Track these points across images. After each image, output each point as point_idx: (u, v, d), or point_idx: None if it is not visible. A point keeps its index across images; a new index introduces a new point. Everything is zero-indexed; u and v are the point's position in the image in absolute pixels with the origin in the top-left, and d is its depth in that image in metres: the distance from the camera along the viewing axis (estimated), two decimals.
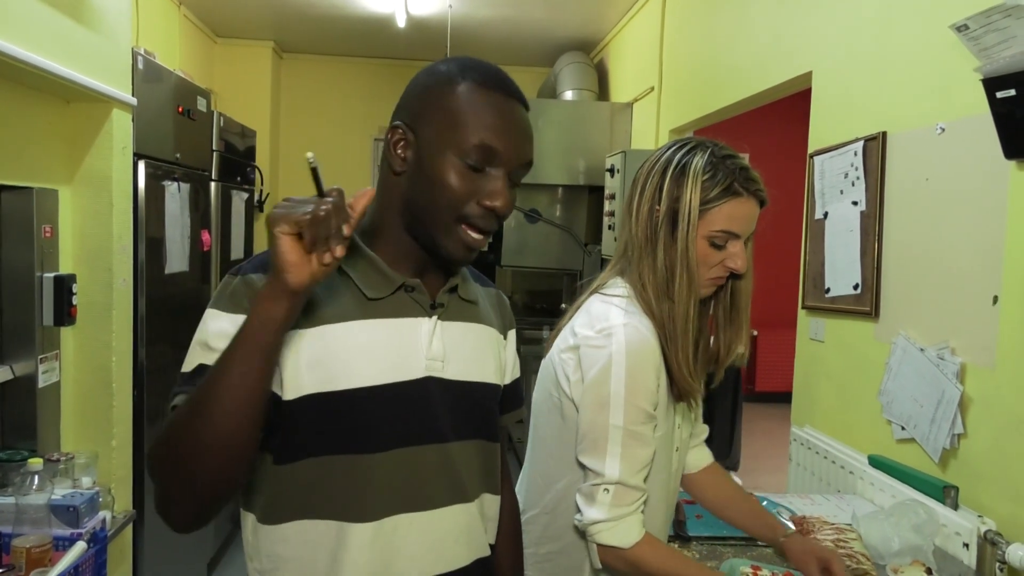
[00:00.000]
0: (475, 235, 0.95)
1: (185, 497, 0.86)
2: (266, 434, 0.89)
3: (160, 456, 0.86)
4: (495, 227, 0.97)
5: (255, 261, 0.95)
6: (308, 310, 0.91)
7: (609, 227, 4.00)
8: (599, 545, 1.19)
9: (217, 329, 0.90)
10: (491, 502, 1.07)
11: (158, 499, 0.88)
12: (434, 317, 0.99)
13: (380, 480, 0.94)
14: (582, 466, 1.22)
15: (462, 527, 1.01)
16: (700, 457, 1.52)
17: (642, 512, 1.21)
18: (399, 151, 0.96)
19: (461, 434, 1.01)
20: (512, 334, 1.17)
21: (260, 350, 0.83)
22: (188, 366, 0.92)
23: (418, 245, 0.98)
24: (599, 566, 1.21)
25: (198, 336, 0.93)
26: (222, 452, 0.83)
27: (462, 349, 1.02)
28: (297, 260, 0.80)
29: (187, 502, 0.86)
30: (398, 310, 0.97)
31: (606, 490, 1.17)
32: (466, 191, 0.93)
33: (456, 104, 0.93)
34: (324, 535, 0.93)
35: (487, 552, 1.06)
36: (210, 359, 0.87)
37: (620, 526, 1.17)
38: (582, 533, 1.22)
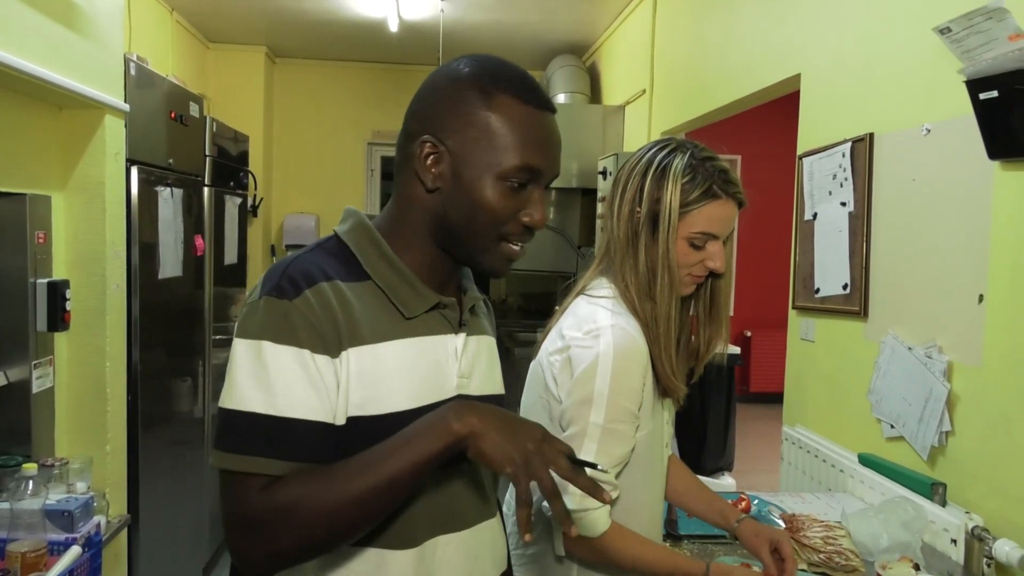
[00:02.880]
0: (515, 248, 0.95)
1: (305, 557, 0.86)
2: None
3: (290, 533, 0.82)
4: (530, 239, 0.97)
5: (290, 275, 0.87)
6: (352, 327, 0.88)
7: (601, 229, 4.01)
8: (564, 533, 1.21)
9: (282, 368, 0.84)
10: (497, 508, 1.08)
11: (262, 556, 0.83)
12: (462, 334, 0.99)
13: (422, 503, 0.92)
14: None
15: (489, 543, 1.01)
16: None
17: (611, 506, 1.22)
18: (431, 168, 0.91)
19: None
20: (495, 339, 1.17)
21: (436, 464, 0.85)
22: (243, 404, 0.84)
23: (446, 257, 0.96)
24: (562, 553, 1.23)
25: (255, 370, 0.84)
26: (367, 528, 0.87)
27: (480, 363, 1.02)
28: None
29: (304, 559, 0.86)
30: (431, 327, 0.95)
31: None
32: (508, 211, 0.91)
33: (496, 122, 0.89)
34: (362, 563, 0.90)
35: (505, 564, 1.07)
36: (274, 405, 0.83)
37: (588, 517, 1.19)
38: (549, 521, 1.24)
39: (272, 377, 0.83)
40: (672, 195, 1.23)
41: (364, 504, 0.82)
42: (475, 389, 1.00)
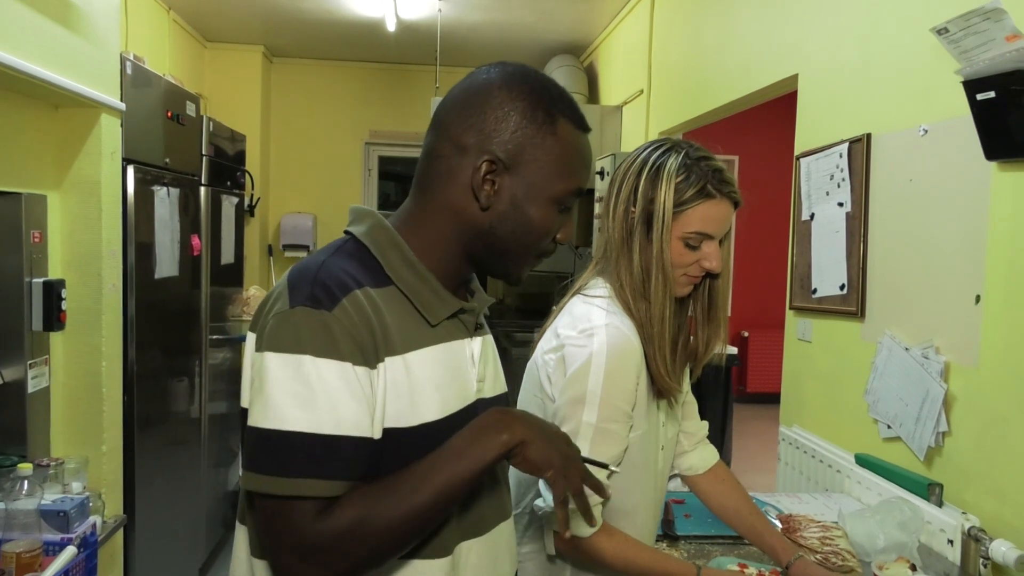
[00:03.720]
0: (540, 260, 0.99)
1: (367, 571, 0.85)
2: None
3: (362, 550, 0.82)
4: None
5: (323, 283, 0.84)
6: (386, 336, 0.86)
7: (599, 229, 4.01)
8: (556, 533, 1.21)
9: (325, 384, 0.81)
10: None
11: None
12: (478, 338, 0.99)
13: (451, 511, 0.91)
14: None
15: (506, 543, 1.01)
16: (705, 457, 1.51)
17: (602, 506, 1.22)
18: (487, 186, 0.91)
19: None
20: None
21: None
22: (284, 424, 0.80)
23: (466, 264, 0.97)
24: (553, 552, 1.23)
25: (295, 387, 0.80)
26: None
27: (490, 365, 1.03)
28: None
29: (365, 573, 0.86)
30: (451, 333, 0.95)
31: None
32: (554, 230, 0.95)
33: (558, 148, 0.92)
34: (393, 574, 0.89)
35: (518, 563, 1.08)
36: (319, 424, 0.80)
37: (579, 516, 1.18)
38: (540, 518, 1.23)
39: (316, 394, 0.80)
40: (666, 194, 1.22)
41: (425, 515, 0.83)
42: (490, 391, 1.00)
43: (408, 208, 0.97)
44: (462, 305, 0.95)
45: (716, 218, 1.25)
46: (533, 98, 0.92)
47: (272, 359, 0.81)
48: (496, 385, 1.04)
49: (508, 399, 1.08)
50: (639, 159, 1.28)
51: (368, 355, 0.84)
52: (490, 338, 1.06)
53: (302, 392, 0.80)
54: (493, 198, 0.92)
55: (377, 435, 0.85)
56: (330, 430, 0.80)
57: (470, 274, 1.01)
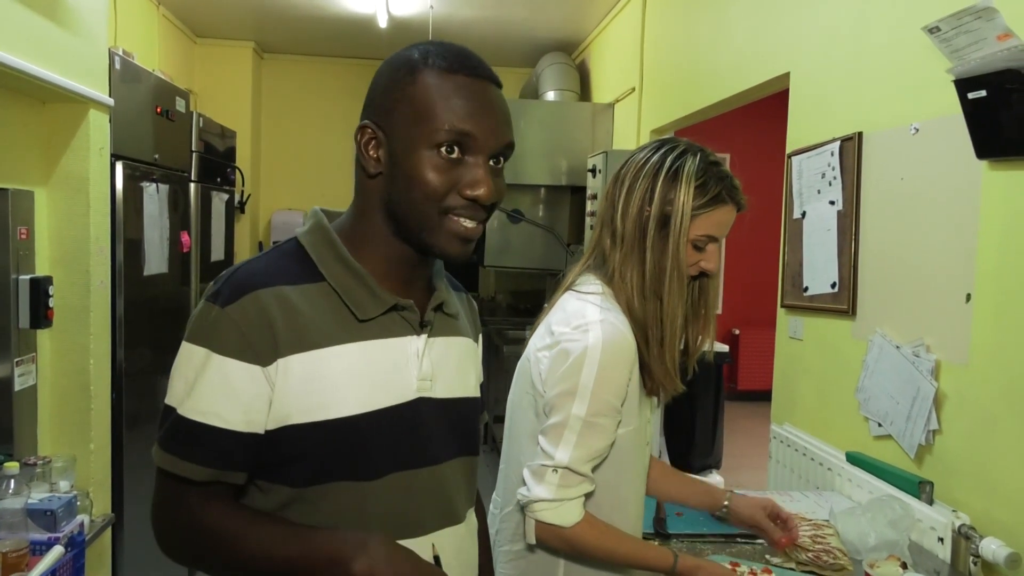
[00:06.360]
0: (466, 223, 0.90)
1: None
2: (252, 470, 0.89)
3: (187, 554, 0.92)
4: (483, 216, 0.92)
5: (233, 281, 0.88)
6: (296, 332, 0.87)
7: (591, 227, 4.01)
8: (538, 522, 1.21)
9: (198, 372, 0.86)
10: (472, 515, 1.06)
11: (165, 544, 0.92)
12: (423, 336, 0.96)
13: (375, 509, 0.90)
14: (539, 444, 1.24)
15: (453, 550, 0.99)
16: None
17: (585, 497, 1.23)
18: (371, 152, 0.91)
19: (450, 453, 0.98)
20: (480, 338, 1.14)
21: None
22: (169, 399, 0.88)
23: (408, 250, 0.94)
24: (533, 541, 1.24)
25: (180, 370, 0.88)
26: None
27: (448, 365, 0.99)
28: None
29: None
30: (388, 330, 0.93)
31: (554, 471, 1.21)
32: (445, 183, 0.88)
33: (420, 94, 0.88)
34: None
35: (476, 571, 1.05)
36: (184, 407, 0.86)
37: (563, 507, 1.21)
38: (522, 507, 1.24)
39: (189, 379, 0.86)
40: (685, 197, 1.25)
41: (245, 570, 0.86)
42: (441, 392, 0.97)
43: (348, 208, 0.99)
44: (397, 301, 0.93)
45: (726, 223, 1.30)
46: (403, 58, 0.92)
47: (182, 342, 0.90)
48: (454, 388, 1.00)
49: (477, 404, 1.06)
50: (653, 160, 1.30)
51: (261, 352, 0.85)
52: (457, 340, 1.03)
53: (178, 375, 0.88)
54: (379, 165, 0.91)
55: (254, 430, 0.87)
56: (191, 416, 0.86)
57: (420, 265, 0.97)
